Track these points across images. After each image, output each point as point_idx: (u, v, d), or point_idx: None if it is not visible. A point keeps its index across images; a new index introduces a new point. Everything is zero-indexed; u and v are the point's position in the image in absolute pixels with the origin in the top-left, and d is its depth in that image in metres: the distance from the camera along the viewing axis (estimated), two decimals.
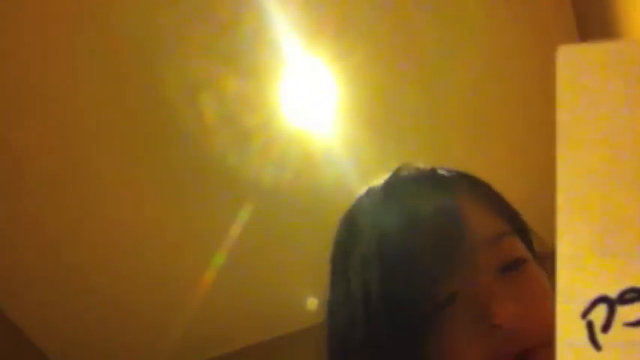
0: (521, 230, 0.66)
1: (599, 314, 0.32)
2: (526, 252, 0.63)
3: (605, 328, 0.32)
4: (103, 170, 2.41)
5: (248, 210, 2.47)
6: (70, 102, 2.24)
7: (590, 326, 0.32)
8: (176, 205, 2.54)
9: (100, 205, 2.51)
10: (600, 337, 0.32)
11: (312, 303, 2.76)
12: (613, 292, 0.32)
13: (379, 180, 0.68)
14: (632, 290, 0.32)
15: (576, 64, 0.36)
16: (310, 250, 2.71)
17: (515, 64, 2.25)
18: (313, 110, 2.31)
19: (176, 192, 2.50)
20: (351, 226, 0.67)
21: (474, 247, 0.59)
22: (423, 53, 2.21)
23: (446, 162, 0.71)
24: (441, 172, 0.68)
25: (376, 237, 0.61)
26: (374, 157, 2.31)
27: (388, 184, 0.66)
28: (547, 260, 0.66)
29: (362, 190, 0.69)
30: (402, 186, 0.66)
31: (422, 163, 0.69)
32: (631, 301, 0.32)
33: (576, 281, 0.33)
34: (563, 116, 0.36)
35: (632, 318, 0.32)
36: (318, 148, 2.38)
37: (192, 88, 2.20)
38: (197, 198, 2.51)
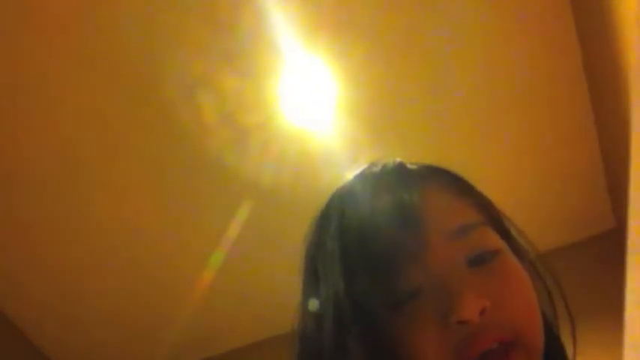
0: (493, 218, 0.64)
1: None
2: (500, 242, 0.60)
3: None
4: (101, 170, 2.41)
5: (247, 209, 2.47)
6: (69, 101, 2.23)
7: None
8: (175, 205, 2.53)
9: (97, 206, 2.51)
10: None
11: (312, 303, 2.76)
12: None
13: (349, 177, 0.68)
14: None
15: None
16: None
17: (515, 63, 2.24)
18: (312, 109, 2.31)
19: (174, 191, 2.49)
20: (318, 226, 0.66)
21: (437, 239, 0.57)
22: (422, 52, 2.20)
23: (446, 161, 0.70)
24: (408, 165, 0.67)
25: (338, 234, 0.60)
26: (373, 157, 2.30)
27: (357, 181, 0.66)
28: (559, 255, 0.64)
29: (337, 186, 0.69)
30: (370, 182, 0.65)
31: (419, 162, 0.68)
32: None
33: None
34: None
35: None
36: (317, 147, 2.38)
37: (191, 86, 2.20)
38: (196, 197, 2.51)
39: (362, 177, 0.67)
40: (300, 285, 0.68)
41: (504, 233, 0.64)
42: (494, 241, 0.60)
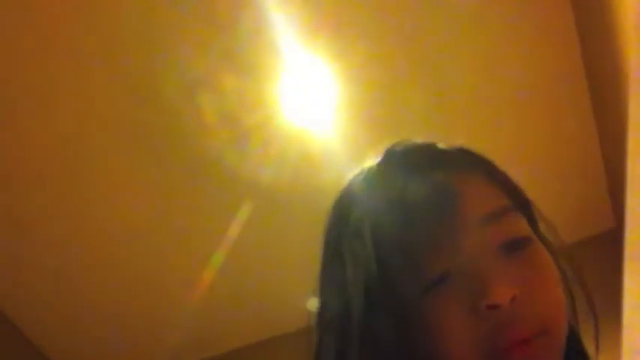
0: (523, 205, 0.63)
1: None
2: (530, 231, 0.59)
3: None
4: (101, 170, 2.41)
5: (247, 209, 2.47)
6: (69, 101, 2.23)
7: None
8: (174, 205, 2.53)
9: (98, 206, 2.51)
10: None
11: (312, 302, 2.77)
12: None
13: (373, 158, 0.65)
14: None
15: None
16: (309, 250, 2.71)
17: (516, 63, 2.25)
18: (312, 109, 2.31)
19: (174, 191, 2.49)
20: (342, 209, 0.64)
21: (471, 223, 0.56)
22: (422, 52, 2.20)
23: None
24: (438, 146, 0.65)
25: (369, 217, 0.59)
26: (373, 157, 2.30)
27: (382, 161, 0.64)
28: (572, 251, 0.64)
29: (353, 172, 0.67)
30: (397, 162, 0.63)
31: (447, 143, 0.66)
32: None
33: None
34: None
35: None
36: (317, 147, 2.38)
37: (191, 86, 2.20)
38: (196, 197, 2.51)
39: (390, 156, 0.64)
40: (321, 270, 0.65)
41: (531, 220, 0.63)
42: (525, 227, 0.59)
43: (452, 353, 0.53)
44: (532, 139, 2.40)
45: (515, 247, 0.57)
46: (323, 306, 0.63)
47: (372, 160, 0.65)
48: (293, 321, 2.88)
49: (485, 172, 0.62)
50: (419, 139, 0.67)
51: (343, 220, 0.63)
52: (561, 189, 2.47)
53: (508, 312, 0.52)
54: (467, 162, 0.63)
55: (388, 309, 0.55)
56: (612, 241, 2.29)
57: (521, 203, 0.62)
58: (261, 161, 2.38)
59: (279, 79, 2.21)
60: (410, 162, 0.62)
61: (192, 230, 2.60)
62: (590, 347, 0.63)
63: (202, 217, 2.55)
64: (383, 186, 0.60)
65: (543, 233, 0.63)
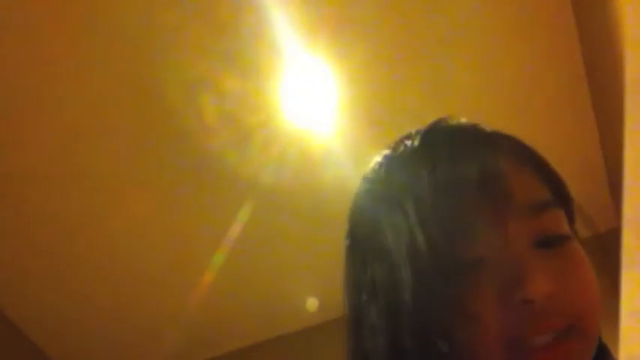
0: (565, 201, 0.61)
1: None
2: (569, 229, 0.58)
3: None
4: (102, 170, 2.41)
5: (247, 209, 2.47)
6: (69, 102, 2.23)
7: None
8: (175, 205, 2.54)
9: (98, 205, 2.51)
10: None
11: (312, 303, 2.77)
12: None
13: (413, 132, 0.62)
14: None
15: None
16: (310, 250, 2.72)
17: (516, 63, 2.25)
18: (313, 110, 2.31)
19: (175, 192, 2.49)
20: (378, 180, 0.61)
21: (513, 212, 0.55)
22: (423, 52, 2.21)
23: None
24: (485, 128, 0.63)
25: (411, 191, 0.56)
26: (373, 157, 2.30)
27: (425, 137, 0.61)
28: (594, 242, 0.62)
29: (389, 145, 0.63)
30: (442, 139, 0.60)
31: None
32: None
33: None
34: (634, 66, 0.34)
35: None
36: (318, 147, 2.38)
37: (192, 87, 2.20)
38: (197, 197, 2.51)
39: (435, 133, 0.61)
40: (352, 244, 0.63)
41: (571, 217, 0.61)
42: (564, 225, 0.58)
43: (477, 338, 0.52)
44: (532, 140, 2.40)
45: (552, 243, 0.56)
46: (360, 272, 0.60)
47: (411, 135, 0.62)
48: (293, 321, 2.89)
49: (532, 163, 0.61)
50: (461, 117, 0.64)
51: (384, 191, 0.60)
52: None
53: (541, 307, 0.52)
54: (515, 149, 0.61)
55: (434, 280, 0.53)
56: (614, 240, 2.30)
57: (563, 199, 0.61)
58: (261, 161, 2.38)
59: (280, 80, 2.21)
60: (457, 140, 0.60)
61: (192, 230, 2.60)
62: None
63: (203, 217, 2.55)
64: (428, 160, 0.58)
65: (578, 231, 0.62)
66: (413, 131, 0.63)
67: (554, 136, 2.41)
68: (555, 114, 2.37)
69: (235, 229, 2.50)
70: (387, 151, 0.63)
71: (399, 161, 0.61)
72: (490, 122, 2.39)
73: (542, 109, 2.35)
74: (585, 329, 0.54)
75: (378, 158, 0.64)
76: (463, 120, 0.64)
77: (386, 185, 0.60)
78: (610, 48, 1.90)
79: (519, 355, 0.52)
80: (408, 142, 0.61)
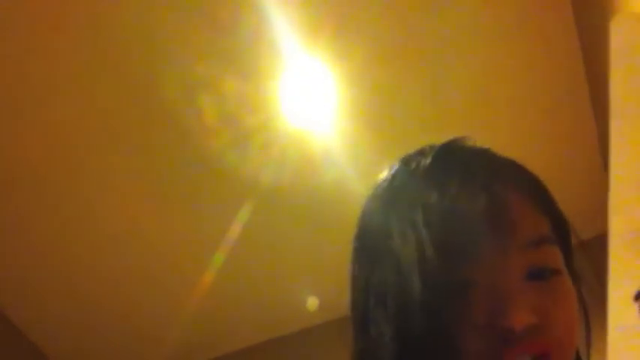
0: (562, 233, 0.63)
1: None
2: (561, 264, 0.60)
3: None
4: (103, 171, 2.41)
5: (248, 210, 2.47)
6: (70, 103, 2.24)
7: None
8: (176, 206, 2.54)
9: (99, 206, 2.51)
10: None
11: (312, 303, 2.77)
12: None
13: (426, 150, 0.64)
14: None
15: (630, 33, 0.36)
16: (310, 250, 2.72)
17: (516, 63, 2.25)
18: (312, 110, 2.31)
19: (175, 192, 2.50)
20: (394, 198, 0.62)
21: (512, 245, 0.57)
22: (423, 53, 2.21)
23: None
24: (496, 155, 0.65)
25: (422, 208, 0.58)
26: (373, 158, 2.31)
27: (437, 158, 0.62)
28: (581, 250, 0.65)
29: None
30: (454, 163, 0.62)
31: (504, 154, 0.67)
32: None
33: (629, 262, 0.32)
34: (617, 86, 0.35)
35: None
36: (318, 148, 2.38)
37: (192, 88, 2.20)
38: (196, 198, 2.51)
39: (448, 155, 0.63)
40: (361, 251, 0.64)
41: (567, 251, 0.64)
42: (558, 260, 0.60)
43: (463, 354, 0.55)
44: (532, 140, 2.41)
45: (541, 276, 0.58)
46: (368, 275, 0.62)
47: (424, 152, 0.64)
48: (294, 322, 2.89)
49: (537, 196, 0.63)
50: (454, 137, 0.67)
51: (392, 201, 0.62)
52: (561, 189, 2.46)
53: (523, 336, 0.54)
54: (522, 181, 0.63)
55: (441, 288, 0.56)
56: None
57: (561, 231, 0.63)
58: (262, 162, 2.38)
59: (280, 81, 2.22)
60: (468, 166, 0.62)
61: (192, 230, 2.60)
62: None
63: (203, 217, 2.55)
64: (438, 184, 0.59)
65: (573, 262, 0.64)
66: (427, 147, 0.65)
67: (554, 137, 2.41)
68: (555, 115, 2.37)
69: (235, 230, 2.50)
70: (399, 164, 0.65)
71: (410, 177, 0.63)
72: (489, 122, 2.40)
73: (543, 110, 2.35)
74: (559, 355, 0.56)
75: (390, 169, 0.66)
76: (475, 144, 0.66)
77: (397, 196, 0.62)
78: (610, 48, 1.89)
79: None
80: (422, 160, 0.63)
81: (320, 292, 2.70)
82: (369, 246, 0.63)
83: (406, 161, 0.65)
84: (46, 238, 2.57)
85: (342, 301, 0.66)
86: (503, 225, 0.57)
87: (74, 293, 2.73)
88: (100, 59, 2.14)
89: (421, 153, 0.65)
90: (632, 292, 0.29)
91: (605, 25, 1.86)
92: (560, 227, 0.63)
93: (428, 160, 0.62)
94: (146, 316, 2.83)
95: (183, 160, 2.39)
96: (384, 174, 0.66)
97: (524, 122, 2.38)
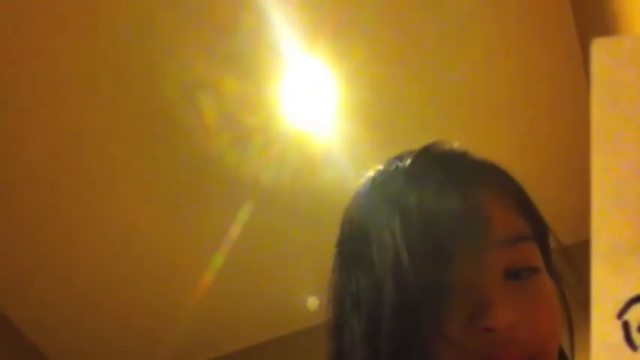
0: (540, 232, 0.64)
1: (636, 314, 0.32)
2: (540, 262, 0.60)
3: None
4: (102, 171, 2.41)
5: (247, 210, 2.47)
6: (69, 103, 2.24)
7: (626, 326, 0.31)
8: (176, 206, 2.54)
9: (98, 207, 2.51)
10: (637, 337, 0.31)
11: (312, 303, 2.77)
12: None
13: (405, 154, 0.65)
14: None
15: (611, 57, 0.36)
16: (310, 251, 2.72)
17: (516, 63, 2.25)
18: (312, 110, 2.31)
19: (175, 192, 2.50)
20: (370, 198, 0.64)
21: (489, 244, 0.57)
22: (423, 53, 2.21)
23: None
24: (473, 157, 0.66)
25: (399, 212, 0.59)
26: (373, 158, 2.30)
27: (416, 161, 0.63)
28: (564, 254, 0.65)
29: (383, 162, 0.66)
30: (432, 166, 0.62)
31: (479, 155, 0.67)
32: None
33: (612, 280, 0.32)
34: (598, 109, 0.35)
35: None
36: (318, 148, 2.38)
37: (192, 88, 2.20)
38: (196, 198, 2.51)
39: (426, 158, 0.64)
40: (341, 257, 0.65)
41: (545, 249, 0.64)
42: (536, 259, 0.60)
43: (443, 356, 0.55)
44: (532, 139, 2.41)
45: (519, 275, 0.58)
46: (345, 281, 0.63)
47: (404, 156, 0.65)
48: (294, 322, 2.89)
49: (513, 196, 0.63)
50: (419, 139, 0.68)
51: (372, 207, 0.63)
52: (561, 189, 2.47)
53: (502, 336, 0.54)
54: (498, 181, 0.64)
55: (414, 293, 0.56)
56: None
57: (539, 230, 0.63)
58: (261, 162, 2.38)
59: (280, 81, 2.22)
60: (445, 167, 0.62)
61: (193, 231, 2.60)
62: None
63: (203, 217, 2.55)
64: (416, 184, 0.60)
65: (552, 261, 0.64)
66: (406, 152, 0.65)
67: (553, 136, 2.41)
68: (554, 114, 2.37)
69: (235, 230, 2.50)
70: (379, 168, 0.66)
71: (389, 181, 0.63)
72: (489, 122, 2.40)
73: (542, 110, 2.35)
74: (542, 356, 0.56)
75: (370, 174, 0.66)
76: (455, 145, 0.67)
77: (375, 202, 0.63)
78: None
79: None
80: (400, 164, 0.64)
81: (320, 292, 2.70)
82: (349, 253, 0.64)
83: (386, 165, 0.65)
84: (45, 238, 2.57)
85: (326, 305, 0.66)
86: (477, 223, 0.57)
87: (74, 293, 2.73)
88: (100, 59, 2.14)
89: (400, 157, 0.65)
90: (615, 310, 0.30)
91: (605, 25, 1.86)
92: (538, 227, 0.63)
93: (406, 164, 0.63)
94: (146, 316, 2.83)
95: (183, 160, 2.39)
96: (364, 179, 0.66)
97: (524, 123, 2.38)
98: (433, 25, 2.15)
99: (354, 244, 0.63)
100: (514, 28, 2.18)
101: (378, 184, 0.64)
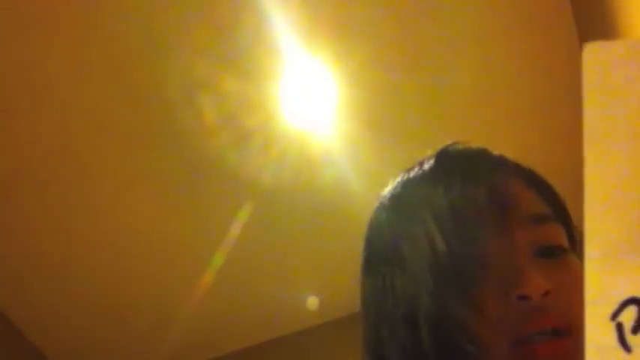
0: (566, 222, 0.65)
1: (630, 316, 0.32)
2: (567, 244, 0.62)
3: (636, 329, 0.32)
4: (103, 171, 2.41)
5: (247, 210, 2.47)
6: (70, 103, 2.24)
7: (619, 328, 0.32)
8: (176, 206, 2.54)
9: (99, 206, 2.51)
10: (630, 338, 0.31)
11: (312, 303, 2.77)
12: None
13: (424, 159, 0.68)
14: None
15: (602, 62, 0.36)
16: (310, 251, 2.72)
17: (516, 64, 2.25)
18: (312, 111, 2.31)
19: (176, 192, 2.50)
20: (399, 204, 0.66)
21: (516, 222, 0.59)
22: (423, 53, 2.21)
23: None
24: (490, 152, 0.69)
25: (429, 208, 0.61)
26: (373, 158, 2.31)
27: (437, 161, 0.66)
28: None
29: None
30: (452, 164, 0.66)
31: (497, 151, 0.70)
32: None
33: (605, 282, 0.32)
34: (590, 114, 0.35)
35: None
36: (318, 148, 2.38)
37: (192, 88, 2.20)
38: (197, 198, 2.51)
39: (446, 157, 0.67)
40: (373, 244, 0.67)
41: (571, 235, 0.65)
42: (563, 239, 0.62)
43: (484, 338, 0.56)
44: (532, 139, 2.41)
45: (552, 253, 0.60)
46: (380, 283, 0.64)
47: (423, 161, 0.68)
48: (293, 322, 2.89)
49: (536, 184, 0.65)
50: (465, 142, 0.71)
51: (400, 207, 0.65)
52: (561, 189, 2.47)
53: (537, 304, 0.55)
54: (520, 172, 0.66)
55: (453, 277, 0.58)
56: None
57: (562, 216, 0.65)
58: (261, 162, 2.38)
59: (280, 81, 2.22)
60: (468, 163, 0.65)
61: (193, 231, 2.60)
62: None
63: (203, 217, 2.55)
64: (442, 185, 0.63)
65: (577, 249, 0.66)
66: (426, 157, 0.69)
67: (554, 136, 2.41)
68: (554, 114, 2.37)
69: (235, 230, 2.51)
70: (403, 174, 0.69)
71: (416, 180, 0.66)
72: (489, 122, 2.39)
73: (542, 110, 2.36)
74: (577, 332, 0.56)
75: (394, 181, 0.69)
76: (472, 145, 0.70)
77: (404, 201, 0.66)
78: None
79: (521, 351, 0.55)
80: (424, 164, 0.67)
81: (320, 292, 2.70)
82: (379, 255, 0.66)
83: (410, 170, 0.68)
84: (45, 238, 2.57)
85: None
86: (503, 203, 0.60)
87: (74, 293, 2.73)
88: (100, 59, 2.14)
89: (420, 162, 0.68)
90: (609, 312, 0.30)
91: (605, 24, 1.86)
92: (561, 212, 0.65)
93: (430, 165, 0.66)
94: (146, 316, 2.83)
95: (183, 160, 2.40)
96: (389, 187, 0.69)
97: (523, 123, 2.39)
98: (433, 25, 2.15)
99: (385, 245, 0.65)
100: (514, 27, 2.18)
101: (404, 188, 0.67)
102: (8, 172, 2.37)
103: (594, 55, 0.36)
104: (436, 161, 0.66)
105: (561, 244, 0.61)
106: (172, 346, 2.87)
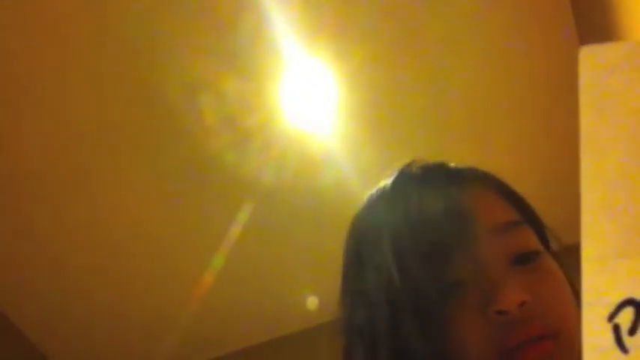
0: (534, 222, 0.65)
1: (626, 317, 0.32)
2: (539, 245, 0.62)
3: (632, 331, 0.32)
4: (103, 171, 2.41)
5: (247, 211, 2.47)
6: (70, 102, 2.24)
7: (616, 329, 0.32)
8: (176, 206, 2.54)
9: (99, 206, 2.51)
10: (627, 340, 0.32)
11: (312, 303, 2.77)
12: None
13: (385, 179, 0.68)
14: None
15: (598, 65, 0.36)
16: (310, 251, 2.72)
17: (516, 64, 2.25)
18: (312, 111, 2.31)
19: (175, 192, 2.50)
20: (361, 224, 0.67)
21: (483, 234, 0.59)
22: (423, 54, 2.21)
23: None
24: (450, 165, 0.68)
25: (387, 229, 0.61)
26: (373, 158, 2.31)
27: (397, 178, 0.66)
28: (563, 255, 0.66)
29: (367, 193, 0.69)
30: (412, 179, 0.65)
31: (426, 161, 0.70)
32: None
33: (602, 284, 0.32)
34: (587, 117, 0.36)
35: None
36: (318, 148, 2.38)
37: (192, 88, 2.20)
38: (197, 198, 2.51)
39: (406, 174, 0.67)
40: (343, 282, 0.68)
41: (543, 238, 0.65)
42: (535, 241, 0.62)
43: (469, 354, 0.56)
44: (532, 139, 2.41)
45: (525, 259, 0.59)
46: (348, 316, 0.65)
47: (386, 179, 0.68)
48: (294, 322, 2.89)
49: (497, 189, 0.65)
50: (422, 147, 0.72)
51: (362, 235, 0.66)
52: (561, 189, 2.47)
53: (517, 316, 0.55)
54: (478, 178, 0.66)
55: (412, 314, 0.57)
56: None
57: (531, 220, 0.65)
58: (261, 163, 2.38)
59: (280, 81, 2.22)
60: (425, 179, 0.65)
61: (193, 231, 2.60)
62: None
63: (203, 218, 2.55)
64: (400, 201, 0.63)
65: (554, 250, 0.66)
66: (386, 177, 0.69)
67: (553, 136, 2.41)
68: (554, 114, 2.37)
69: (235, 230, 2.51)
70: (371, 194, 0.69)
71: (376, 204, 0.66)
72: (489, 122, 2.39)
73: (542, 110, 2.35)
74: (561, 335, 0.57)
75: (364, 200, 0.69)
76: (430, 161, 0.70)
77: (366, 227, 0.66)
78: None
79: (511, 357, 0.55)
80: (382, 187, 0.67)
81: (320, 292, 2.70)
82: (348, 286, 0.67)
83: (375, 191, 0.68)
84: (46, 239, 2.57)
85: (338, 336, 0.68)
86: (463, 220, 0.59)
87: (75, 293, 2.73)
88: (100, 59, 2.14)
89: (381, 184, 0.68)
90: (606, 314, 0.30)
91: (605, 25, 1.86)
92: (527, 214, 0.65)
93: (388, 186, 0.66)
94: (146, 315, 2.83)
95: (183, 160, 2.40)
96: (357, 210, 0.69)
97: (523, 122, 2.38)
98: (433, 25, 2.15)
99: (352, 276, 0.66)
100: (514, 27, 2.18)
101: (366, 212, 0.67)
102: (8, 172, 2.37)
103: (590, 58, 0.37)
104: (394, 181, 0.66)
105: (535, 247, 0.61)
106: (172, 345, 2.87)
